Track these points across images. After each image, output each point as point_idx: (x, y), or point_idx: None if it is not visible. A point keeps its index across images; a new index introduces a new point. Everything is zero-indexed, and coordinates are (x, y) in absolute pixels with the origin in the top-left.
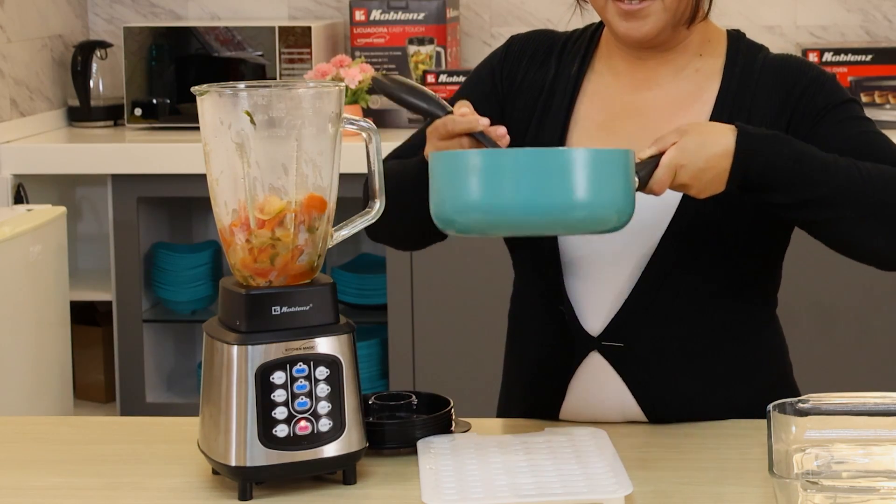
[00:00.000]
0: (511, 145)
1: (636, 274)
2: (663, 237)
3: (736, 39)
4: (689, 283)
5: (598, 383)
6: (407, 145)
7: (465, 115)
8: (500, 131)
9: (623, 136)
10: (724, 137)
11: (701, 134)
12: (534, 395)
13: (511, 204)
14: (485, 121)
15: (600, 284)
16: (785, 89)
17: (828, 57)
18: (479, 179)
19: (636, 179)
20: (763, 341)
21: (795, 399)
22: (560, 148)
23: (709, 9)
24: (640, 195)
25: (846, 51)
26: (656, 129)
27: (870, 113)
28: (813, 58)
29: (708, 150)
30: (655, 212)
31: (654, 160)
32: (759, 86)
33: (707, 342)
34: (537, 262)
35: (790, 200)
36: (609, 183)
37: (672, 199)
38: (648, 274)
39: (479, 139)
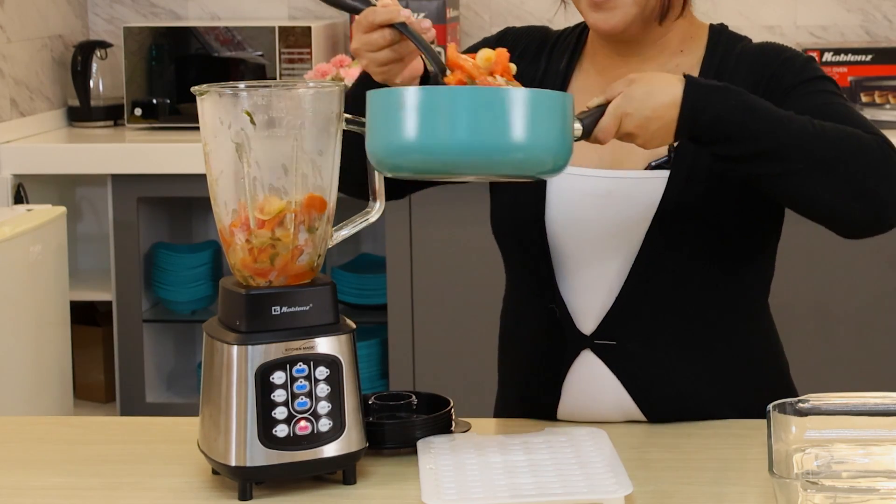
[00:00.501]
0: None
1: (626, 269)
2: (649, 230)
3: (717, 33)
4: (678, 276)
5: (592, 382)
6: None
7: (386, 5)
8: (425, 24)
9: None
10: (672, 87)
11: (649, 83)
12: (529, 395)
13: (446, 142)
14: (406, 12)
15: (591, 282)
16: (758, 73)
17: (828, 57)
18: (413, 117)
19: (579, 126)
20: (756, 335)
21: (795, 399)
22: (496, 87)
23: (683, 7)
24: (622, 193)
25: (846, 51)
26: None
27: (869, 113)
28: None
29: (655, 99)
30: (640, 205)
31: (601, 109)
32: (734, 74)
33: (699, 337)
34: (528, 260)
35: (739, 152)
36: (546, 124)
37: (656, 191)
38: (638, 269)
39: (402, 32)
